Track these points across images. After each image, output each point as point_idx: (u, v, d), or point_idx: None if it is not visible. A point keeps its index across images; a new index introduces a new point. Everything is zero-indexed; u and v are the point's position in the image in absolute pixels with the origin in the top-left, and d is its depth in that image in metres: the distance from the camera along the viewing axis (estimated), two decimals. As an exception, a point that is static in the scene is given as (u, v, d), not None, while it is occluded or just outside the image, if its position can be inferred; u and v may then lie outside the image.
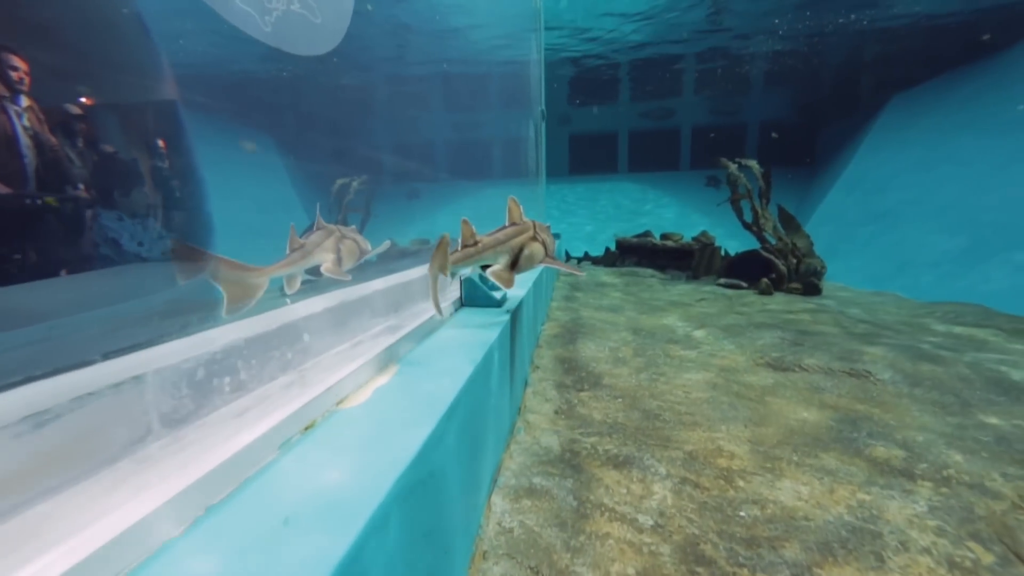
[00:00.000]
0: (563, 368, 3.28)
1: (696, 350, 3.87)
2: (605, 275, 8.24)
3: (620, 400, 2.75)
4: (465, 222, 1.89)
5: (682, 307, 5.69)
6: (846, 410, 2.72)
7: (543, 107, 8.83)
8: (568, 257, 10.66)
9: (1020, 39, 10.24)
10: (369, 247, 2.38)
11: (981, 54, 11.06)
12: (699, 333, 4.42)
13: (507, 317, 2.28)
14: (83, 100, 2.88)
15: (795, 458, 2.20)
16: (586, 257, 10.39)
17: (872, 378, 3.19)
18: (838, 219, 9.82)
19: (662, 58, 19.25)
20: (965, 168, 8.25)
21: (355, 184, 7.27)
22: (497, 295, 2.46)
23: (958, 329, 4.57)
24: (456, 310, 2.39)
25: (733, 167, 7.18)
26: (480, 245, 1.91)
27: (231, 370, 1.12)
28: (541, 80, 8.62)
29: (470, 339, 1.89)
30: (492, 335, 1.94)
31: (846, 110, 15.05)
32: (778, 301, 6.03)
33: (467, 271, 2.42)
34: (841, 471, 2.09)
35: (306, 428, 1.07)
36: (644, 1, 16.19)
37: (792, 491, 1.89)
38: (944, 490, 1.91)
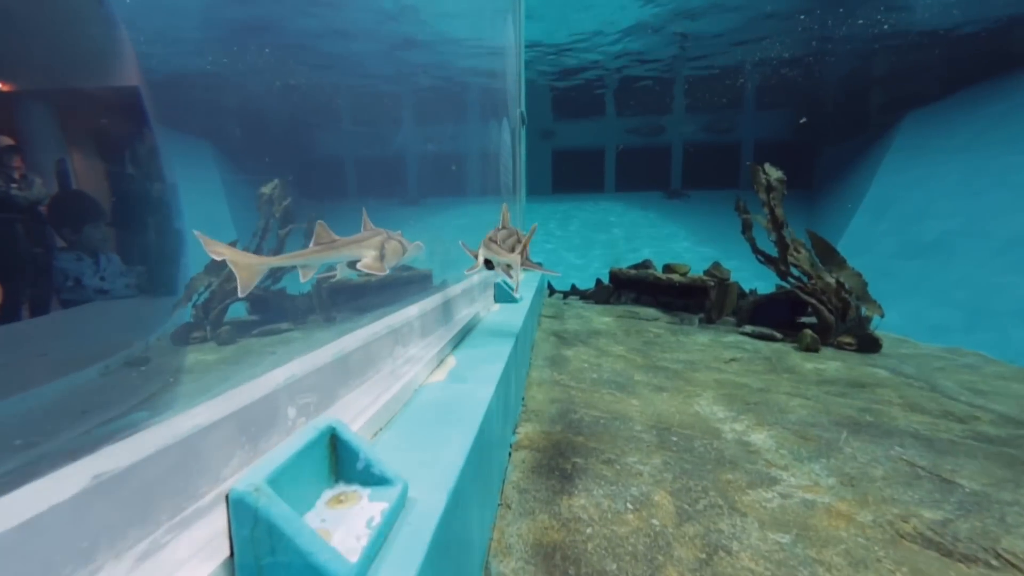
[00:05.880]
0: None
1: (775, 491, 2.23)
2: (598, 317, 6.60)
3: None
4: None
5: (711, 373, 4.08)
6: None
7: (523, 109, 7.28)
8: (552, 291, 8.92)
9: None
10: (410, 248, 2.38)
11: (1006, 68, 10.00)
12: (760, 439, 2.79)
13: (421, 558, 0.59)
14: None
15: None
16: (574, 290, 8.64)
17: None
18: (870, 251, 8.37)
19: (649, 74, 18.11)
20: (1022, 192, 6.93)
21: (274, 193, 5.51)
22: (391, 481, 0.76)
23: None
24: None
25: (765, 178, 5.67)
26: None
27: None
28: (520, 76, 7.08)
29: None
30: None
31: (851, 129, 13.96)
32: (834, 364, 4.47)
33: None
34: None
35: None
36: (627, 18, 15.12)
37: None
38: None
